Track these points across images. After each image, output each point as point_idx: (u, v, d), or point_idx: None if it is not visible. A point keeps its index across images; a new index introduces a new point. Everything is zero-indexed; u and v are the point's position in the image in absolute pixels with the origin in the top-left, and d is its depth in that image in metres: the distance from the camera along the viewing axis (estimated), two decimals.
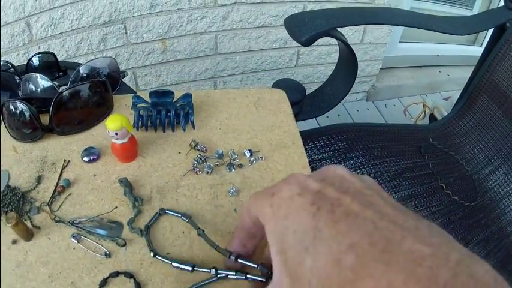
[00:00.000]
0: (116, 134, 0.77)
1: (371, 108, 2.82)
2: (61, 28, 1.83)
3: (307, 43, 1.14)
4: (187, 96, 0.92)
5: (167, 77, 2.21)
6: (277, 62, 2.34)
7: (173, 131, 0.91)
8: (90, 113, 0.94)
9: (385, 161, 1.30)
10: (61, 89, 0.98)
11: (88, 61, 1.04)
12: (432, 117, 2.28)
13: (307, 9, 2.13)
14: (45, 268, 0.68)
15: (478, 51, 2.76)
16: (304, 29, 1.13)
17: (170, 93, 0.92)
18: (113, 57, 1.09)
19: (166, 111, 0.90)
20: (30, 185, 0.81)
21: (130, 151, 0.83)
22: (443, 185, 1.29)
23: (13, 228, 0.69)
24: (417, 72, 2.99)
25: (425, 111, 2.44)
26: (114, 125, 0.76)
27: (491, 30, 1.49)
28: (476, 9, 2.90)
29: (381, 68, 2.77)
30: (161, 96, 0.92)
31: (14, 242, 0.72)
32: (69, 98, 0.90)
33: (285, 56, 2.36)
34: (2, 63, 1.13)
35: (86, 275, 0.67)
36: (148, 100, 0.93)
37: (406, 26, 1.40)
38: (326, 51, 2.37)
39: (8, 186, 0.80)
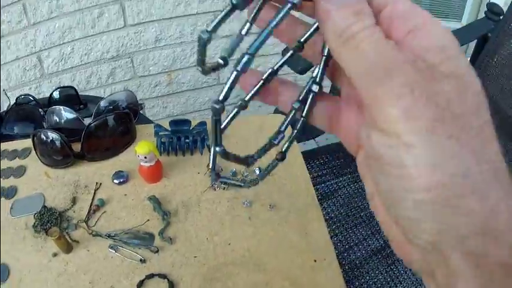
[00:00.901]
0: (145, 157, 0.91)
1: None
2: (71, 63, 1.90)
3: (303, 72, 1.27)
4: (203, 124, 1.06)
5: (173, 108, 2.28)
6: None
7: (192, 154, 1.04)
8: (116, 141, 1.06)
9: None
10: (86, 120, 1.09)
11: (109, 95, 1.15)
12: None
13: None
14: (86, 275, 0.80)
15: None
16: (299, 60, 1.25)
17: (187, 122, 1.05)
18: (131, 90, 1.20)
19: (185, 138, 1.03)
20: (66, 205, 0.93)
21: (157, 173, 0.96)
22: None
23: (55, 242, 0.81)
24: None
25: None
26: (144, 150, 0.90)
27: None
28: (464, 21, 2.90)
29: None
30: (179, 124, 1.04)
31: (55, 254, 0.84)
32: (98, 128, 1.02)
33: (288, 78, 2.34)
34: (23, 96, 1.23)
35: (124, 279, 0.80)
36: (168, 128, 1.05)
37: None
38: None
39: (44, 206, 0.92)
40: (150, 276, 0.79)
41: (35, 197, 0.96)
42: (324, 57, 0.34)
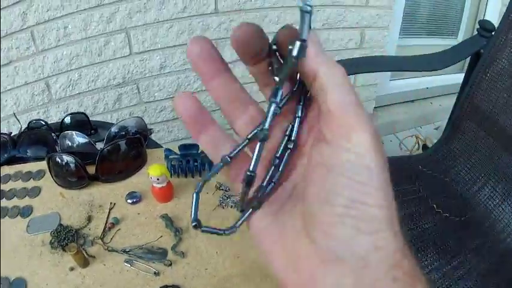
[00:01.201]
0: (158, 179, 0.97)
1: None
2: (79, 89, 1.93)
3: None
4: None
5: (178, 132, 2.29)
6: None
7: (200, 176, 1.08)
8: (128, 164, 1.11)
9: None
10: (98, 144, 1.15)
11: (119, 121, 1.21)
12: (425, 147, 2.31)
13: None
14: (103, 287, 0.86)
15: None
16: None
17: (196, 146, 1.10)
18: (141, 117, 1.26)
19: (194, 161, 1.08)
20: (82, 223, 0.99)
21: (168, 193, 1.02)
22: (434, 205, 1.36)
23: (73, 257, 0.86)
24: (410, 107, 3.02)
25: (418, 143, 2.52)
26: (156, 172, 0.96)
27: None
28: (460, 37, 2.95)
29: (375, 107, 2.83)
30: (188, 148, 1.09)
31: (72, 269, 0.89)
32: (111, 152, 1.08)
33: None
34: (35, 121, 1.28)
35: None
36: (178, 152, 1.10)
37: (389, 71, 1.48)
38: None
39: (60, 225, 0.98)
40: (164, 287, 0.84)
41: (51, 215, 1.01)
42: (298, 118, 0.37)
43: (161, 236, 0.94)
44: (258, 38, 0.34)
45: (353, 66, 1.47)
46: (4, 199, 1.07)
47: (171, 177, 1.06)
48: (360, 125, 0.31)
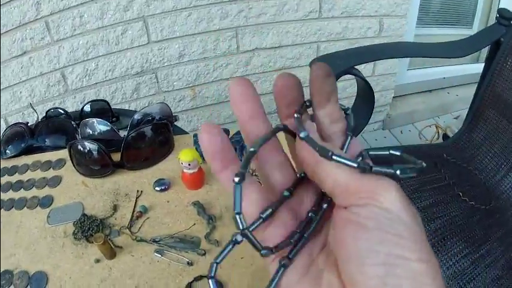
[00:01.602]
0: (189, 164, 0.92)
1: (388, 136, 2.86)
2: (95, 79, 1.91)
3: None
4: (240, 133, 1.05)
5: (198, 122, 2.27)
6: None
7: None
8: (155, 150, 1.07)
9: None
10: (121, 132, 1.10)
11: (143, 107, 1.16)
12: (445, 136, 2.28)
13: (321, 49, 2.24)
14: (131, 280, 0.81)
15: (481, 68, 2.81)
16: None
17: (226, 131, 1.06)
18: (166, 103, 1.22)
19: None
20: (107, 213, 0.94)
21: (199, 179, 0.97)
22: (460, 193, 1.35)
23: (100, 248, 0.81)
24: (428, 96, 3.02)
25: (438, 132, 2.52)
26: (188, 157, 0.91)
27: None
28: (475, 28, 2.94)
29: (393, 97, 2.80)
30: None
31: (97, 261, 0.84)
32: (137, 138, 1.04)
33: (305, 94, 2.32)
34: (52, 110, 1.24)
35: (171, 282, 0.80)
36: None
37: (411, 57, 1.47)
38: (342, 85, 2.44)
39: (84, 214, 0.93)
40: (199, 278, 0.79)
41: (73, 205, 0.97)
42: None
43: (194, 224, 0.90)
44: (296, 89, 0.37)
45: (376, 52, 1.43)
46: (22, 189, 1.03)
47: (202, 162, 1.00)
48: (384, 185, 0.30)
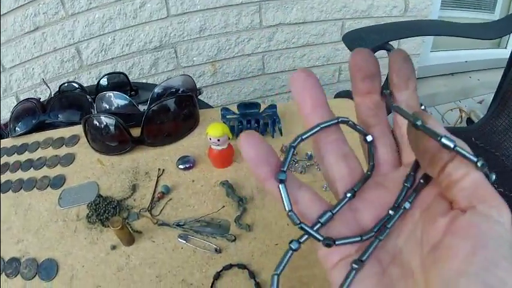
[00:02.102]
0: (218, 140, 0.83)
1: None
2: (112, 53, 1.87)
3: None
4: (273, 107, 0.98)
5: (218, 98, 2.25)
6: (320, 78, 2.33)
7: (272, 137, 0.96)
8: (178, 125, 0.99)
9: None
10: (140, 107, 1.03)
11: (165, 80, 1.08)
12: (469, 121, 2.32)
13: (346, 26, 2.20)
14: (152, 269, 0.72)
15: (503, 53, 2.86)
16: (363, 44, 1.18)
17: (257, 105, 0.98)
18: (190, 75, 1.14)
19: (255, 121, 0.95)
20: (125, 193, 0.86)
21: (229, 157, 0.88)
22: None
23: (117, 233, 0.73)
24: (449, 80, 3.02)
25: (462, 116, 2.49)
26: (217, 132, 0.83)
27: None
28: (497, 12, 2.94)
29: (416, 78, 2.73)
30: (249, 107, 0.97)
31: (113, 247, 0.76)
32: (159, 112, 0.95)
33: (327, 72, 2.37)
34: (66, 84, 1.19)
35: (197, 271, 0.71)
36: (236, 112, 0.98)
37: (446, 35, 1.45)
38: None
39: (99, 195, 0.85)
40: (228, 267, 0.71)
41: (87, 185, 0.89)
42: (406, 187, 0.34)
43: (223, 207, 0.81)
44: (372, 63, 0.36)
45: (412, 28, 1.38)
46: (32, 169, 0.96)
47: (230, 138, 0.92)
48: (502, 200, 0.28)
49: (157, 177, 0.88)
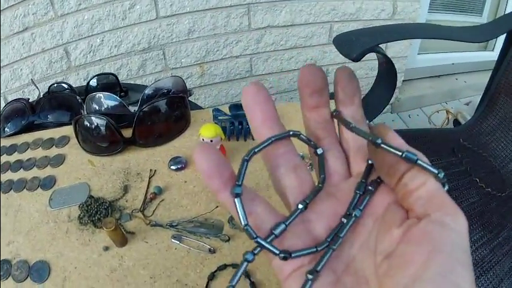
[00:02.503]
0: (211, 141, 0.84)
1: (396, 119, 2.88)
2: (100, 55, 1.86)
3: (358, 58, 1.19)
4: None
5: (205, 100, 2.24)
6: None
7: (253, 139, 0.96)
8: (170, 126, 0.99)
9: None
10: (130, 108, 1.03)
11: (155, 81, 1.08)
12: (456, 122, 2.33)
13: (334, 29, 2.22)
14: (146, 270, 0.72)
15: (490, 56, 2.92)
16: (354, 46, 1.18)
17: (239, 106, 0.98)
18: (180, 76, 1.14)
19: (247, 122, 0.95)
20: (116, 194, 0.85)
21: None
22: (477, 179, 1.34)
23: (110, 234, 0.72)
24: (436, 82, 3.04)
25: (448, 118, 2.49)
26: (210, 133, 0.84)
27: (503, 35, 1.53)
28: (485, 15, 2.98)
29: (403, 80, 2.82)
30: (240, 108, 0.98)
31: (106, 248, 0.75)
32: (151, 112, 0.95)
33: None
34: (56, 84, 1.18)
35: (191, 272, 0.71)
36: (228, 113, 0.99)
37: (436, 39, 1.46)
38: (351, 67, 2.33)
39: (90, 196, 0.84)
40: (223, 267, 0.71)
41: (78, 186, 0.89)
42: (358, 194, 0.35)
43: (216, 207, 0.81)
44: (320, 78, 0.37)
45: (401, 31, 1.38)
46: (22, 170, 0.95)
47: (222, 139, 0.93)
48: (457, 208, 0.29)
49: (149, 178, 0.88)
